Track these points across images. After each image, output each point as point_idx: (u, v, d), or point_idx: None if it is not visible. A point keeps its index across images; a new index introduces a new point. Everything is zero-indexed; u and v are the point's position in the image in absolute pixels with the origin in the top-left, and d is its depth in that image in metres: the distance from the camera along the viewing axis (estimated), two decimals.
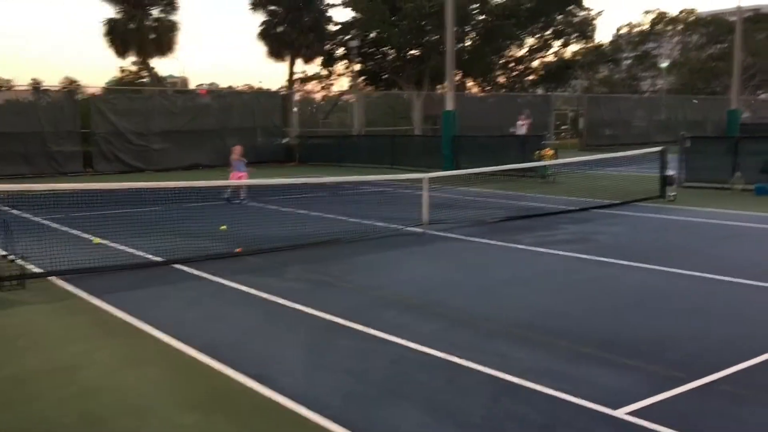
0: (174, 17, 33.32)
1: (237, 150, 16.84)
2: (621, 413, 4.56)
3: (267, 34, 35.59)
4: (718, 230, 11.97)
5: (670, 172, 15.64)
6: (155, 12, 32.93)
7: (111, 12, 32.96)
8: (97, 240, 11.16)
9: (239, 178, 16.17)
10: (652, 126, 42.82)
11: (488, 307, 7.21)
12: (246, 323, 6.81)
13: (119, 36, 31.71)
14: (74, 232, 12.00)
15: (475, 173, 16.33)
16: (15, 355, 5.97)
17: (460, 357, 5.63)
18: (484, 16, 39.28)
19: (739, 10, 32.62)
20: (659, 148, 16.08)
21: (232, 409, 4.78)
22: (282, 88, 38.33)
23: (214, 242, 10.99)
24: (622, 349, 5.79)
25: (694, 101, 47.89)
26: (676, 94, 55.50)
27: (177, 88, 52.53)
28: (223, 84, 71.01)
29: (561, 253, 9.99)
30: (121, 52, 32.55)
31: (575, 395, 4.84)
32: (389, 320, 6.73)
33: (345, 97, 37.69)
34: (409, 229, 12.12)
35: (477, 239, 11.21)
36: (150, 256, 9.88)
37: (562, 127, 43.13)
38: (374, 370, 5.49)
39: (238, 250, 10.35)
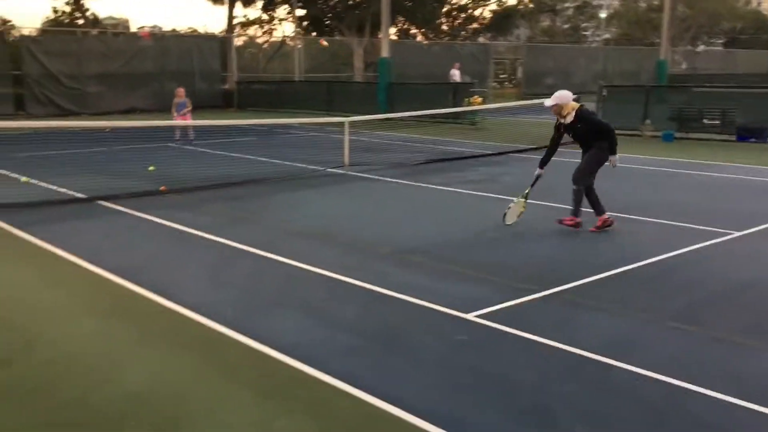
0: None
1: (180, 92, 17.21)
2: (470, 316, 5.38)
3: None
4: (613, 171, 12.89)
5: None
6: None
7: None
8: (25, 179, 11.46)
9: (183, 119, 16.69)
10: (589, 76, 43.91)
11: (382, 236, 7.95)
12: (156, 250, 7.42)
13: None
14: (2, 171, 12.26)
15: (395, 117, 16.96)
16: None
17: (345, 275, 6.37)
18: None
19: None
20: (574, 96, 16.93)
21: (130, 315, 5.44)
22: (222, 32, 37.84)
23: (139, 181, 11.43)
24: (489, 268, 6.61)
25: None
26: (616, 44, 56.80)
27: (116, 30, 51.24)
28: (167, 27, 69.15)
29: (464, 191, 10.80)
30: None
31: (435, 303, 5.63)
32: (289, 247, 7.41)
33: (288, 42, 37.47)
34: (330, 170, 12.75)
35: (392, 180, 11.91)
36: (75, 193, 10.30)
37: (501, 76, 43.91)
38: (265, 286, 6.19)
39: (162, 188, 10.83)
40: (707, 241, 7.67)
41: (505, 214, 8.27)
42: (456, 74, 26.93)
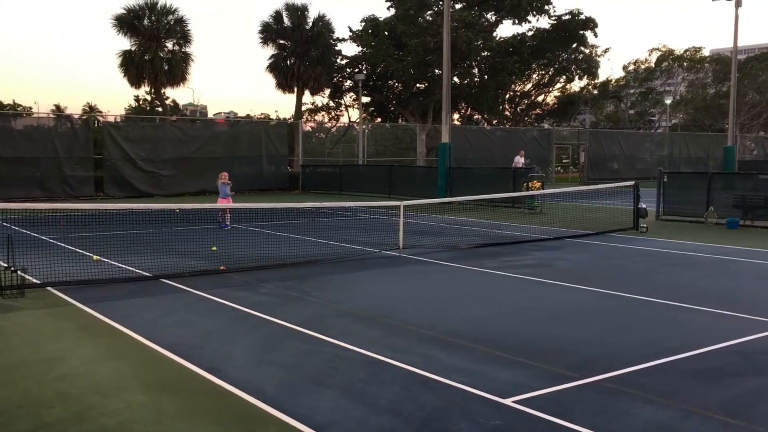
0: (187, 49, 34.73)
1: (224, 176, 17.66)
2: (508, 401, 5.39)
3: (276, 67, 36.93)
4: (672, 259, 12.73)
5: (642, 206, 16.44)
6: (169, 44, 34.37)
7: (126, 44, 34.49)
8: (96, 257, 12.12)
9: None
10: (654, 161, 43.54)
11: (430, 318, 8.06)
12: (212, 328, 7.71)
13: (134, 67, 33.11)
14: (78, 250, 13.01)
15: (451, 201, 17.24)
16: (8, 348, 6.90)
17: (389, 357, 6.49)
18: (487, 53, 40.43)
19: (734, 50, 33.51)
20: (632, 182, 16.93)
21: (180, 391, 5.67)
22: (290, 118, 39.55)
23: (202, 261, 11.93)
24: (529, 353, 6.61)
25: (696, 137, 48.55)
26: (683, 130, 56.32)
27: (195, 117, 54.16)
28: (242, 113, 72.58)
29: (517, 275, 10.83)
30: (136, 82, 33.92)
31: (475, 387, 5.67)
32: (338, 328, 7.60)
33: (356, 127, 38.72)
34: (385, 252, 13.00)
35: (445, 263, 12.05)
36: (141, 272, 10.84)
37: (564, 161, 43.97)
38: (310, 365, 6.36)
39: (222, 267, 11.28)
40: (762, 332, 7.46)
41: None
42: (519, 161, 27.18)
